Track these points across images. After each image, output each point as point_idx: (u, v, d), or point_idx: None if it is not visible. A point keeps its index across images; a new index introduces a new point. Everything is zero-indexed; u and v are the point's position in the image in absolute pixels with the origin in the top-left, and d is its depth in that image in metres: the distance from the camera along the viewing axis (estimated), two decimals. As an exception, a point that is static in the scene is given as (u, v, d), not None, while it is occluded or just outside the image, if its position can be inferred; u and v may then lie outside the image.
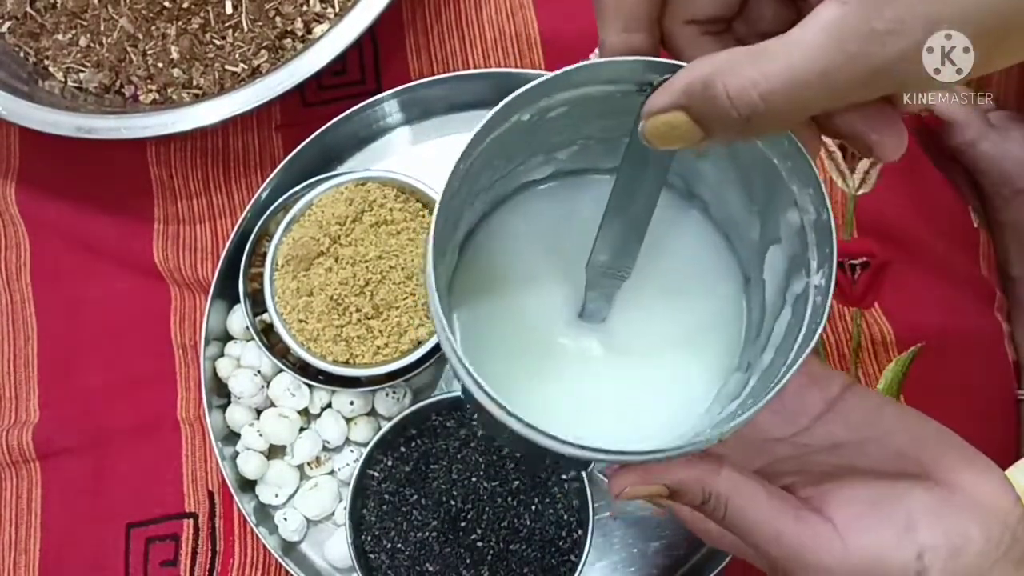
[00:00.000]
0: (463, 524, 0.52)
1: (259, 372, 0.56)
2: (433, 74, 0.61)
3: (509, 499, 0.52)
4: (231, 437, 0.57)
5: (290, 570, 0.53)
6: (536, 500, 0.52)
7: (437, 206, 0.29)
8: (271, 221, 0.56)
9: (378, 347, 0.52)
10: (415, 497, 0.52)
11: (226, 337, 0.58)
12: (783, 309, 0.33)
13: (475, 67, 0.62)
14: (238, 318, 0.57)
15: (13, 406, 0.60)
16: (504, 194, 0.38)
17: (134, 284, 0.61)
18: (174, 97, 0.60)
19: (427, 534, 0.52)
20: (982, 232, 0.60)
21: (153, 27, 0.59)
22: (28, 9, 0.60)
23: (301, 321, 0.53)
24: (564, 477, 0.52)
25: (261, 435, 0.55)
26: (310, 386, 0.55)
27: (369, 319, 0.52)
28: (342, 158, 0.61)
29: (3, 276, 0.62)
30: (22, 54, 0.61)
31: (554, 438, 0.28)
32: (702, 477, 0.31)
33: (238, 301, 0.55)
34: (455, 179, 0.29)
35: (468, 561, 0.51)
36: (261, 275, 0.54)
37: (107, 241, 0.61)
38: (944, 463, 0.32)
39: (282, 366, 0.54)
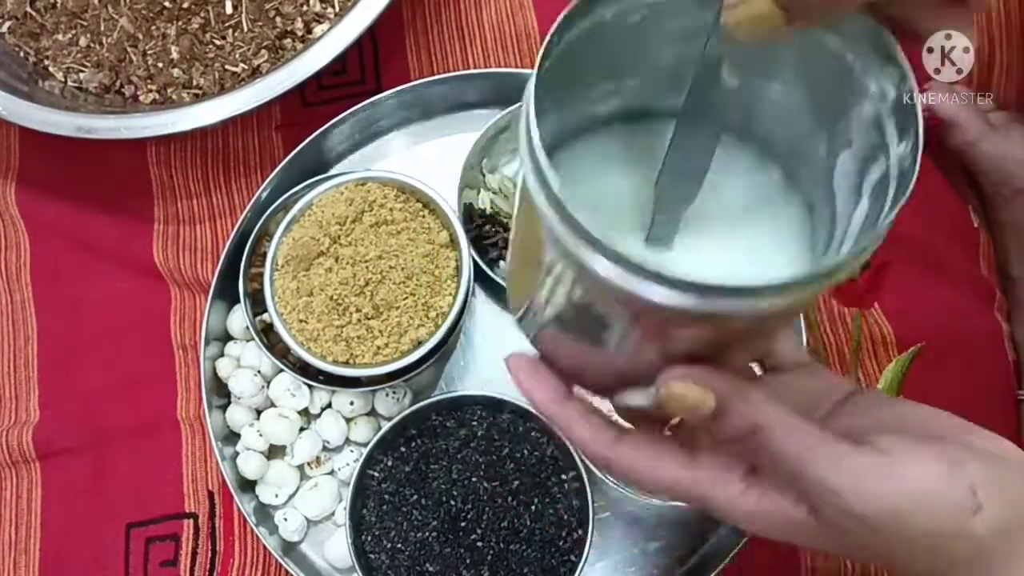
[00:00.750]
0: (463, 524, 0.52)
1: (259, 372, 0.56)
2: (433, 74, 0.61)
3: (509, 499, 0.52)
4: (231, 437, 0.57)
5: (290, 570, 0.53)
6: (536, 500, 0.52)
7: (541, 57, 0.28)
8: (271, 221, 0.56)
9: (378, 347, 0.52)
10: (415, 497, 0.52)
11: (226, 337, 0.58)
12: (858, 204, 0.32)
13: (475, 67, 0.62)
14: (238, 318, 0.57)
15: (13, 406, 0.60)
16: (568, 128, 0.37)
17: (134, 284, 0.61)
18: (174, 97, 0.60)
19: (427, 534, 0.52)
20: (982, 232, 0.60)
21: (153, 27, 0.59)
22: (28, 9, 0.60)
23: (301, 321, 0.53)
24: (564, 477, 0.52)
25: (261, 435, 0.55)
26: (310, 386, 0.55)
27: (369, 319, 0.52)
28: (342, 158, 0.61)
29: (3, 276, 0.62)
30: (22, 54, 0.61)
31: (657, 275, 0.26)
32: (755, 401, 0.29)
33: (238, 301, 0.55)
34: (552, 50, 0.28)
35: (468, 561, 0.51)
36: (261, 275, 0.54)
37: (107, 241, 0.61)
38: (964, 433, 0.32)
39: (282, 366, 0.54)
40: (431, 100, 0.61)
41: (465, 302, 0.53)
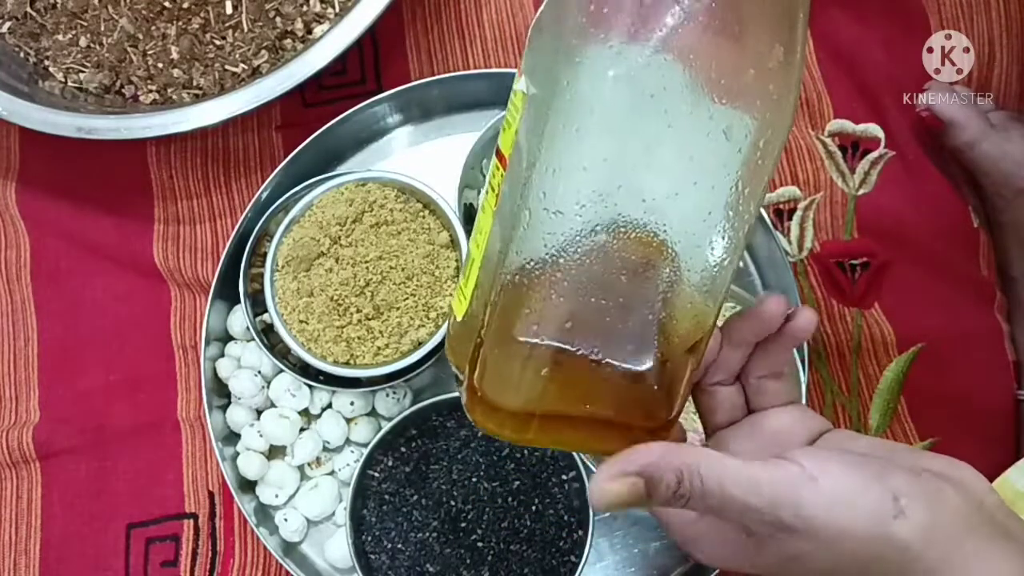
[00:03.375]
0: (463, 525, 0.52)
1: (259, 372, 0.56)
2: (433, 74, 0.61)
3: (509, 500, 0.52)
4: (231, 437, 0.57)
5: (290, 570, 0.53)
6: (536, 500, 0.52)
7: None
8: (271, 221, 0.56)
9: (378, 348, 0.52)
10: (415, 497, 0.52)
11: (226, 337, 0.58)
12: None
13: (475, 67, 0.62)
14: (238, 318, 0.57)
15: (13, 406, 0.60)
16: None
17: (134, 284, 0.61)
18: (174, 97, 0.60)
19: (427, 534, 0.52)
20: (982, 232, 0.60)
21: (153, 27, 0.59)
22: (28, 9, 0.60)
23: (302, 322, 0.53)
24: (564, 478, 0.53)
25: (261, 435, 0.55)
26: (310, 386, 0.55)
27: (369, 320, 0.52)
28: (342, 158, 0.61)
29: (3, 276, 0.62)
30: (22, 54, 0.61)
31: None
32: (667, 456, 0.31)
33: (238, 301, 0.55)
34: None
35: (468, 562, 0.51)
36: (261, 275, 0.54)
37: (107, 241, 0.61)
38: (918, 458, 0.33)
39: (282, 366, 0.54)
40: (431, 100, 0.61)
41: (465, 302, 0.53)
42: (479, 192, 0.59)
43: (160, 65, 0.59)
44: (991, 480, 0.33)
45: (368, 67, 0.62)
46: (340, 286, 0.52)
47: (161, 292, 0.60)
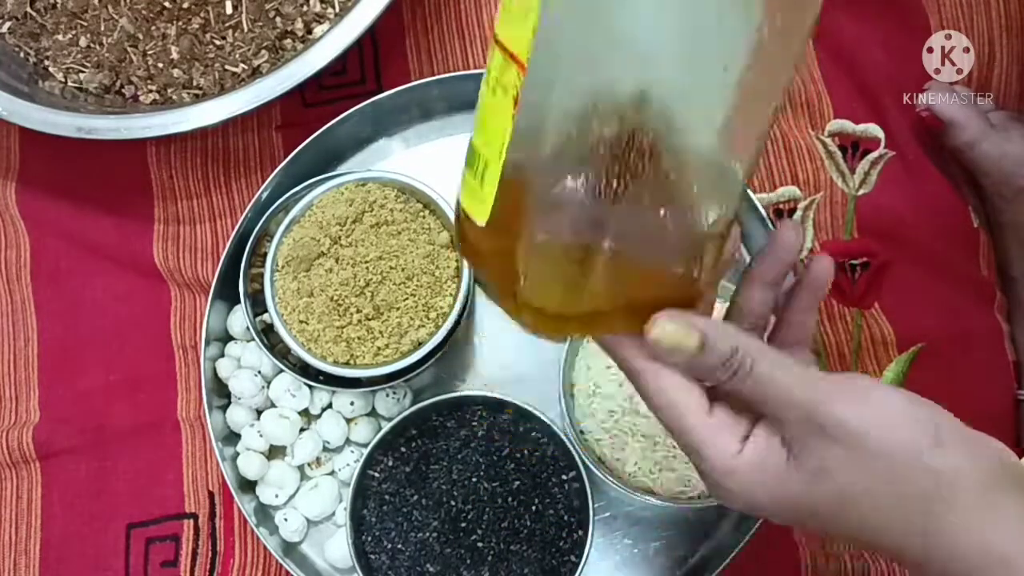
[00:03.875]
0: (463, 525, 0.52)
1: (259, 372, 0.56)
2: (433, 74, 0.61)
3: (509, 499, 0.52)
4: (231, 437, 0.57)
5: (291, 571, 0.53)
6: (536, 500, 0.52)
7: None
8: (271, 221, 0.56)
9: (378, 348, 0.52)
10: (415, 498, 0.52)
11: (226, 337, 0.58)
12: None
13: (475, 67, 0.62)
14: (238, 318, 0.57)
15: (13, 406, 0.60)
16: None
17: (134, 284, 0.61)
18: (174, 97, 0.60)
19: (427, 535, 0.52)
20: (982, 232, 0.60)
21: (153, 27, 0.59)
22: (28, 9, 0.60)
23: (302, 322, 0.53)
24: (564, 477, 0.53)
25: (261, 436, 0.55)
26: (310, 386, 0.55)
27: (369, 320, 0.52)
28: (342, 158, 0.61)
29: (3, 276, 0.62)
30: (22, 54, 0.61)
31: None
32: (730, 329, 0.32)
33: (238, 301, 0.55)
34: None
35: (468, 562, 0.51)
36: (261, 275, 0.54)
37: (107, 241, 0.61)
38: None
39: (282, 367, 0.54)
40: (431, 100, 0.61)
41: (466, 303, 0.53)
42: (479, 192, 0.58)
43: (160, 65, 0.59)
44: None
45: (368, 67, 0.62)
46: (340, 286, 0.52)
47: (161, 292, 0.60)
